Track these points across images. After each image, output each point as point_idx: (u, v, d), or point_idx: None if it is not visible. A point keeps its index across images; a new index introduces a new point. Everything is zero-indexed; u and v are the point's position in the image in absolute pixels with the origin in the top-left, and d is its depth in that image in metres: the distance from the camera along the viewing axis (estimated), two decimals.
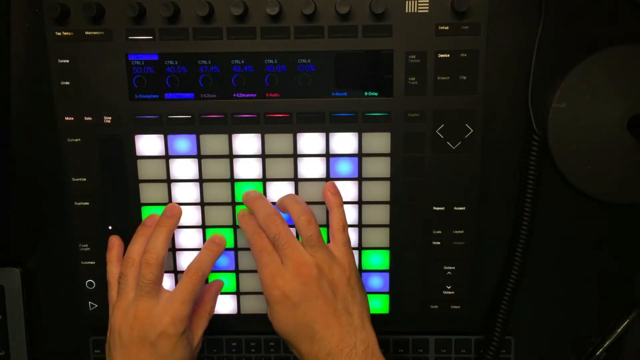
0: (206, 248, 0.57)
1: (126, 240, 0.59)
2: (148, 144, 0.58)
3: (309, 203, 0.57)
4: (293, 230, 0.56)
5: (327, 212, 0.58)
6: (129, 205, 0.59)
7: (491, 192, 0.60)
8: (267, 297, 0.53)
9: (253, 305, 0.62)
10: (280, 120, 0.57)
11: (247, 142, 0.58)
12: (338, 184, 0.58)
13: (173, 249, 0.60)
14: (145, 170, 0.59)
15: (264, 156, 0.58)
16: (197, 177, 0.59)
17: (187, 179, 0.59)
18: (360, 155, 0.58)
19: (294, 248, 0.52)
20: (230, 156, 0.58)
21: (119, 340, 0.53)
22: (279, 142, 0.58)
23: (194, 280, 0.54)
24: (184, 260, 0.61)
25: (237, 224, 0.59)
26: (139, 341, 0.52)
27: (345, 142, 0.58)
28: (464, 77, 0.55)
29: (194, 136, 0.58)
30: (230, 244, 0.60)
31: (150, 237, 0.56)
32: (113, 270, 0.57)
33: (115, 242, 0.58)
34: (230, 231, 0.60)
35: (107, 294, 0.57)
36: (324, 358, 0.50)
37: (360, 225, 0.59)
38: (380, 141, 0.57)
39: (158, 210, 0.59)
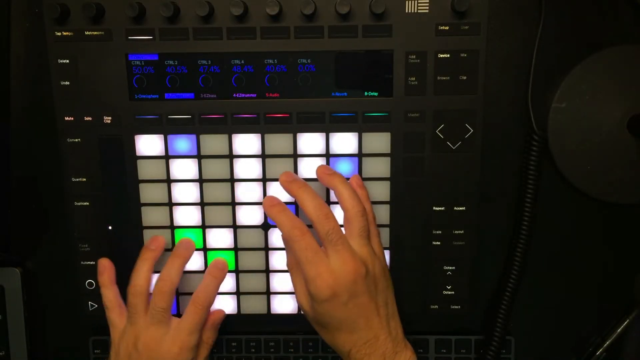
0: (209, 274, 0.58)
1: (126, 241, 0.59)
2: (148, 144, 0.58)
3: None
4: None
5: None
6: (129, 205, 0.59)
7: (491, 192, 0.60)
8: (315, 294, 0.51)
9: (253, 305, 0.62)
10: (280, 120, 0.57)
11: (247, 142, 0.58)
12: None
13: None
14: (145, 170, 0.59)
15: (264, 156, 0.58)
16: (197, 177, 0.59)
17: (187, 179, 0.59)
18: (360, 155, 0.58)
19: (345, 245, 0.51)
20: (230, 156, 0.58)
21: (133, 358, 0.54)
22: (279, 142, 0.58)
23: (200, 310, 0.56)
24: None
25: (265, 211, 0.55)
26: None
27: (345, 142, 0.58)
28: (464, 77, 0.55)
29: (194, 136, 0.58)
30: (230, 244, 0.60)
31: (153, 261, 0.57)
32: (108, 294, 0.57)
33: (105, 265, 0.58)
34: (230, 231, 0.60)
35: (106, 316, 0.57)
36: (361, 345, 0.51)
37: None
38: (380, 141, 0.57)
39: (158, 210, 0.59)
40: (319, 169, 0.56)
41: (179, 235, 0.60)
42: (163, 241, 0.58)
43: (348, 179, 0.58)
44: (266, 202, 0.55)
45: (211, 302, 0.57)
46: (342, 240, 0.51)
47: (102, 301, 0.58)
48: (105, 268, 0.58)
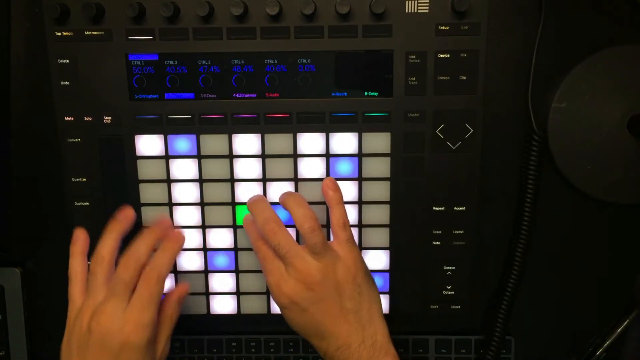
0: (162, 248, 0.54)
1: (126, 241, 0.59)
2: (148, 144, 0.58)
3: (308, 203, 0.57)
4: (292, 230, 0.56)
5: (327, 208, 0.58)
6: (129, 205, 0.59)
7: (491, 192, 0.60)
8: (276, 302, 0.54)
9: (253, 305, 0.62)
10: (280, 120, 0.57)
11: (247, 142, 0.58)
12: (338, 184, 0.58)
13: None
14: (145, 170, 0.59)
15: (264, 156, 0.58)
16: (197, 177, 0.59)
17: (187, 179, 0.59)
18: (360, 155, 0.58)
19: (297, 256, 0.52)
20: (230, 156, 0.58)
21: (84, 342, 0.50)
22: (279, 142, 0.58)
23: (151, 284, 0.51)
24: (184, 261, 0.61)
25: (241, 224, 0.59)
26: (99, 348, 0.50)
27: (345, 142, 0.58)
28: (464, 77, 0.55)
29: (194, 136, 0.58)
30: (230, 244, 0.60)
31: (120, 233, 0.54)
32: (75, 264, 0.54)
33: (80, 235, 0.55)
34: (230, 231, 0.60)
35: (68, 291, 0.54)
36: (333, 352, 0.52)
37: (360, 225, 0.59)
38: (380, 141, 0.57)
39: (158, 210, 0.59)
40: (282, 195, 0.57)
41: None
42: (132, 213, 0.56)
43: (347, 179, 0.58)
44: (244, 218, 0.58)
45: (162, 275, 0.52)
46: (291, 252, 0.52)
47: (68, 272, 0.54)
48: (79, 238, 0.55)
